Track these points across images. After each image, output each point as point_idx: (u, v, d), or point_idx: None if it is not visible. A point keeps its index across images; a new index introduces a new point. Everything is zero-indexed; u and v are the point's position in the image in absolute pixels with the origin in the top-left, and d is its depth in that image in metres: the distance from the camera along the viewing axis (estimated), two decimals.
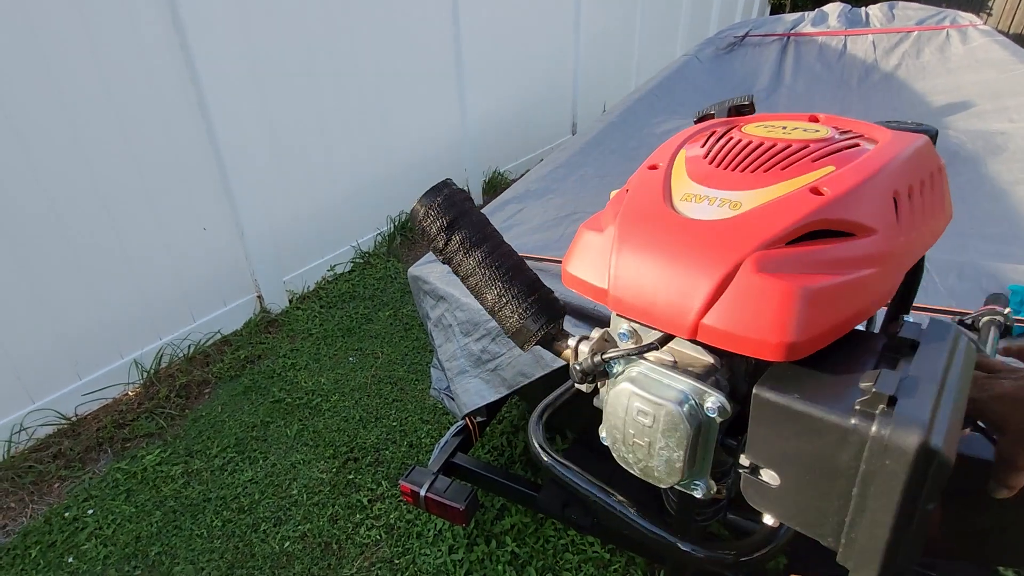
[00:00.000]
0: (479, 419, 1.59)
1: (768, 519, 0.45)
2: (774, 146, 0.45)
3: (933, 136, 0.53)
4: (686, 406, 0.41)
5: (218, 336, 2.56)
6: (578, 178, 1.88)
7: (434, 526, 1.72)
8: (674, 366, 0.45)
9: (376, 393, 2.30)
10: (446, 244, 0.58)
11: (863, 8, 3.59)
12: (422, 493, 1.41)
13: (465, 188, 4.00)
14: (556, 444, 1.94)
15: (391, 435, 2.09)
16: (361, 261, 3.26)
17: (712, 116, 0.66)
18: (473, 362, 1.18)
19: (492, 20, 3.82)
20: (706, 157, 0.49)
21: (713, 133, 0.53)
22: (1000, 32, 2.95)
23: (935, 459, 0.29)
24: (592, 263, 0.47)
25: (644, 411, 0.43)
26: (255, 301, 2.71)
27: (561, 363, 0.98)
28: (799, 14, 3.70)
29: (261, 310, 2.72)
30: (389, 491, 1.85)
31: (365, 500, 1.82)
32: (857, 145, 0.45)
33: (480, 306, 1.01)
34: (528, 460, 1.92)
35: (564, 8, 4.66)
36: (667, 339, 0.44)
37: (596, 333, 0.51)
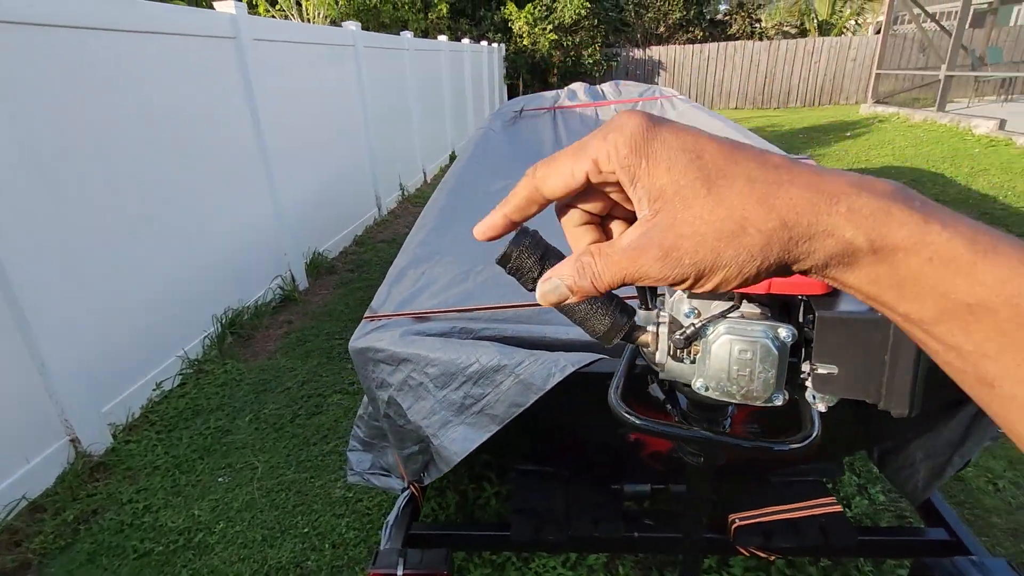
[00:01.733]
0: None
1: (822, 407, 0.68)
2: None
3: None
4: (770, 339, 0.63)
5: (24, 503, 1.98)
6: (452, 238, 2.05)
7: None
8: (743, 317, 0.66)
9: (271, 505, 2.04)
10: (540, 273, 0.73)
11: (598, 86, 4.58)
12: (399, 574, 1.36)
13: (288, 272, 3.80)
14: (485, 488, 2.00)
15: (308, 543, 1.89)
16: (192, 371, 2.85)
17: None
18: (456, 411, 1.23)
19: (289, 111, 3.82)
20: None
21: None
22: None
23: None
24: None
25: (744, 349, 0.63)
26: (68, 446, 2.17)
27: (554, 379, 1.12)
28: (555, 92, 4.52)
29: (79, 455, 2.19)
30: None
31: None
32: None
33: (452, 358, 1.11)
34: (464, 507, 1.94)
35: (351, 97, 4.88)
36: (740, 300, 0.66)
37: (664, 319, 0.70)
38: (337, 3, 9.62)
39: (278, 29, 3.79)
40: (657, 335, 0.72)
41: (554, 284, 0.33)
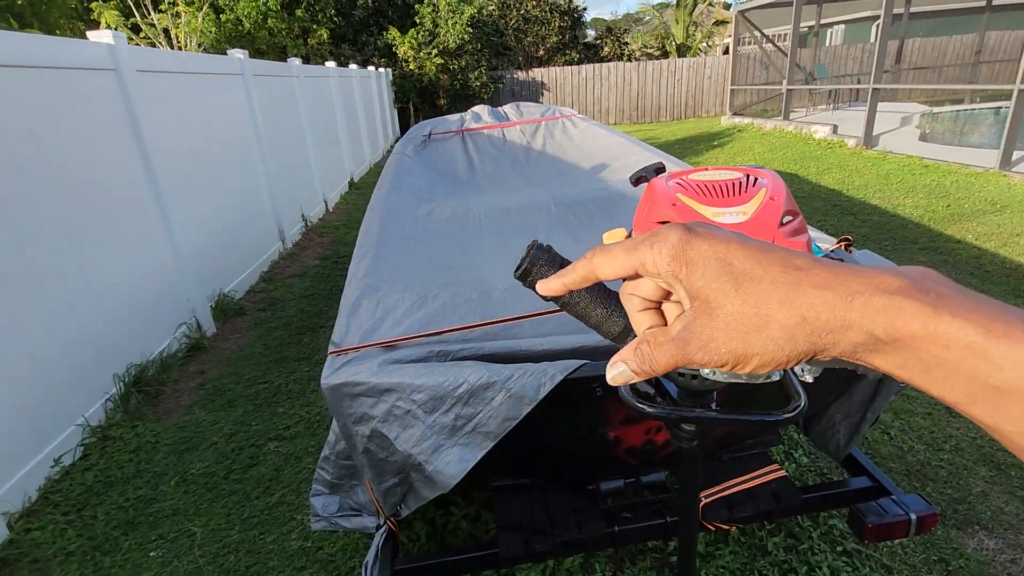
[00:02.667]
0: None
1: (809, 377, 0.80)
2: (732, 182, 0.83)
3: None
4: None
5: None
6: (396, 266, 2.04)
7: None
8: None
9: (220, 571, 1.87)
10: None
11: (500, 108, 4.74)
12: None
13: (192, 317, 3.50)
14: (454, 513, 1.99)
15: None
16: (96, 439, 2.53)
17: (645, 177, 1.03)
18: (448, 433, 1.23)
19: (180, 146, 3.55)
20: (702, 194, 0.84)
21: (680, 183, 0.89)
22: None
23: None
24: None
25: None
26: None
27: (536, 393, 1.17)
28: (459, 115, 4.62)
29: None
30: None
31: None
32: (759, 176, 0.87)
33: (439, 382, 1.14)
34: (435, 536, 1.91)
35: (244, 127, 4.63)
36: None
37: None
38: (213, 29, 9.08)
39: (163, 59, 3.53)
40: None
41: (620, 368, 0.37)
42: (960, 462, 2.08)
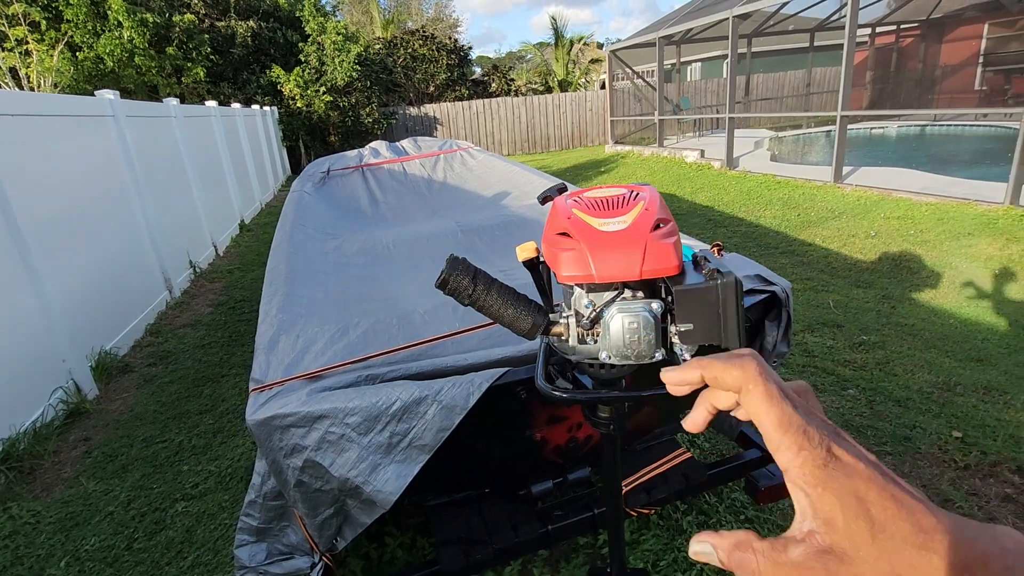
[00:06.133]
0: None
1: (687, 355, 0.94)
2: (617, 196, 0.99)
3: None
4: (648, 311, 0.87)
5: None
6: (309, 300, 2.03)
7: None
8: (627, 300, 0.88)
9: None
10: (474, 290, 0.90)
11: (398, 143, 4.84)
12: None
13: (69, 380, 3.16)
14: (388, 543, 1.97)
15: None
16: None
17: (551, 196, 1.16)
18: (384, 451, 1.25)
19: (47, 194, 3.24)
20: (591, 209, 0.98)
21: (575, 200, 1.03)
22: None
23: (741, 287, 0.84)
24: (577, 267, 0.86)
25: (632, 321, 0.85)
26: None
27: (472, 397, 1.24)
28: (357, 151, 4.64)
29: None
30: None
31: None
32: (639, 191, 1.03)
33: (372, 402, 1.20)
34: (371, 571, 1.88)
35: (119, 172, 4.31)
36: (623, 288, 0.90)
37: (569, 312, 0.90)
38: (70, 68, 8.34)
39: (21, 102, 3.23)
40: (568, 325, 0.94)
41: (707, 550, 0.35)
42: None
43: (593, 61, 20.46)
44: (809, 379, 2.80)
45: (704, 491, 2.03)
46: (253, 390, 1.41)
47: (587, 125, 16.67)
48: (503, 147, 16.26)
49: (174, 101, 5.90)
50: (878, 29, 13.41)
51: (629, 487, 1.72)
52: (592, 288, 0.92)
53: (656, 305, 0.88)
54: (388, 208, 3.82)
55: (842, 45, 6.68)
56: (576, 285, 0.93)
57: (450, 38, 17.88)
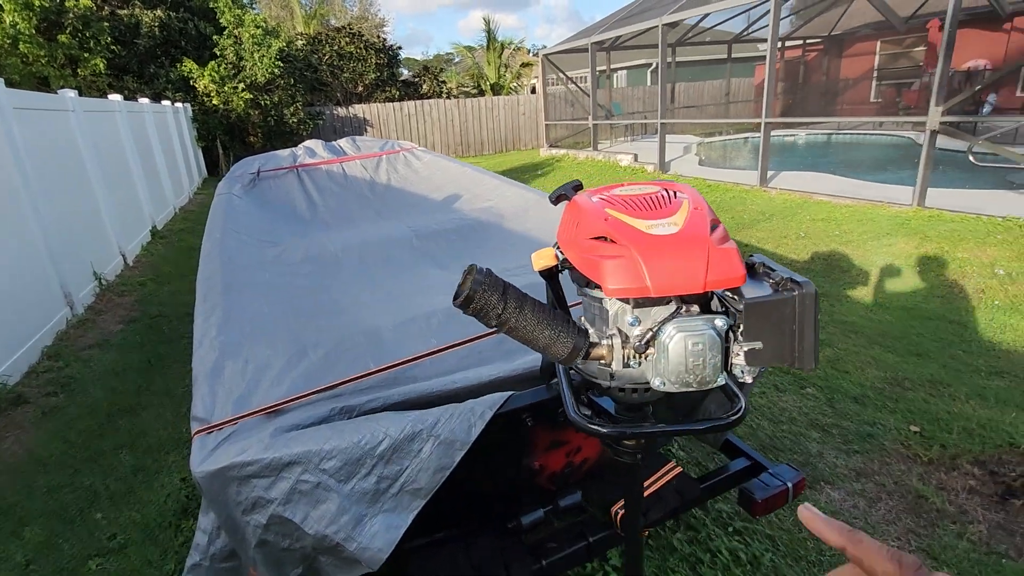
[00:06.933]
0: None
1: (749, 379, 0.82)
2: (655, 195, 0.86)
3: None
4: (713, 329, 0.75)
5: None
6: (253, 316, 1.77)
7: None
8: (686, 316, 0.75)
9: None
10: (504, 308, 0.73)
11: (335, 143, 4.54)
12: None
13: None
14: None
15: None
16: None
17: (565, 195, 1.02)
18: (369, 500, 1.04)
19: None
20: (632, 208, 0.85)
21: (605, 199, 0.90)
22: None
23: (816, 297, 0.74)
24: (627, 279, 0.72)
25: (696, 342, 0.73)
26: None
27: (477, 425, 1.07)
28: (290, 151, 4.31)
29: None
30: None
31: None
32: (678, 189, 0.91)
33: (354, 441, 1.01)
34: None
35: (5, 171, 3.72)
36: (680, 303, 0.77)
37: (612, 331, 0.76)
38: None
39: None
40: (612, 347, 0.79)
41: None
42: (796, 430, 2.44)
43: (524, 65, 20.59)
44: (769, 378, 2.83)
45: (697, 506, 1.95)
46: (197, 432, 1.16)
47: (520, 129, 16.71)
48: (437, 150, 15.94)
49: (71, 93, 5.24)
50: (786, 43, 14.39)
51: (625, 510, 1.61)
52: (639, 303, 0.78)
53: (720, 322, 0.75)
54: (328, 212, 3.53)
55: (753, 58, 7.03)
56: (620, 300, 0.79)
57: (378, 37, 17.35)
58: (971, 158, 6.50)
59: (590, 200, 0.89)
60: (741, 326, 0.76)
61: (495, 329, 0.75)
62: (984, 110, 10.04)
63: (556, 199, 1.00)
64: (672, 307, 0.78)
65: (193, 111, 12.36)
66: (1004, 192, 5.96)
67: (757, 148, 7.52)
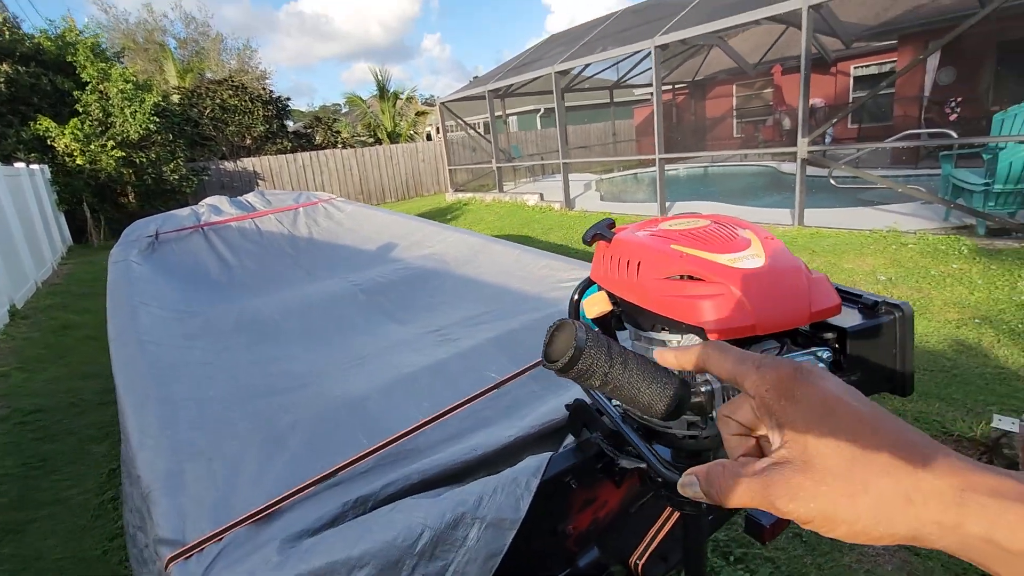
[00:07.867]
0: None
1: None
2: (718, 227, 0.83)
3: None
4: (822, 363, 0.71)
5: None
6: (200, 401, 1.51)
7: None
8: (792, 349, 0.73)
9: None
10: (611, 367, 0.65)
11: (242, 198, 4.22)
12: None
13: None
14: None
15: None
16: None
17: (603, 235, 0.96)
18: None
19: None
20: (703, 243, 0.81)
21: (660, 235, 0.85)
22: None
23: (913, 319, 0.74)
24: (729, 317, 0.69)
25: None
26: None
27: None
28: (190, 209, 3.96)
29: None
30: None
31: None
32: (727, 220, 0.89)
33: (387, 539, 0.87)
34: None
35: None
36: (783, 339, 0.74)
37: (706, 376, 0.71)
38: None
39: None
40: (712, 393, 0.73)
41: (691, 480, 0.35)
42: None
43: (419, 114, 20.82)
44: None
45: (708, 539, 1.91)
46: (172, 560, 0.93)
47: (422, 175, 16.73)
48: None
49: None
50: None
51: (643, 558, 1.53)
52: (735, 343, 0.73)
53: (825, 354, 0.72)
54: (247, 274, 3.22)
55: (631, 102, 7.65)
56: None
57: (264, 89, 16.74)
58: (832, 181, 7.45)
59: (648, 238, 0.84)
60: (842, 357, 0.73)
61: (593, 387, 0.66)
62: (827, 140, 11.66)
63: (592, 239, 0.94)
64: (771, 343, 0.74)
65: (52, 173, 11.01)
66: (862, 209, 6.86)
67: (650, 182, 8.09)
